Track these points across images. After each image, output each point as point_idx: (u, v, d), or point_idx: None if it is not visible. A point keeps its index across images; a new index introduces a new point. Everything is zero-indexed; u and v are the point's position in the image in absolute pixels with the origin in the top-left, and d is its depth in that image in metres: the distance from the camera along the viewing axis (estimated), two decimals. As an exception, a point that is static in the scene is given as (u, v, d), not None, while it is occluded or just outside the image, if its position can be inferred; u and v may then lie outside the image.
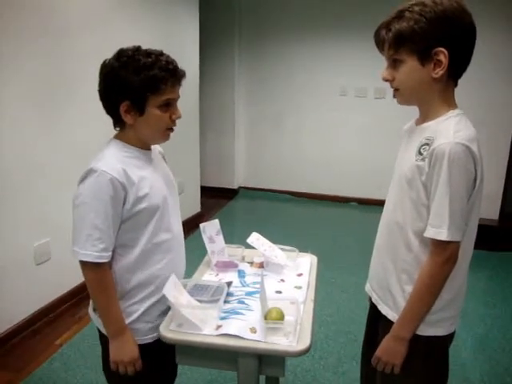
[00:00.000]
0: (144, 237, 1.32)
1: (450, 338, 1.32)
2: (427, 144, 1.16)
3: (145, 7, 3.45)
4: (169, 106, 1.29)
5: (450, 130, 1.13)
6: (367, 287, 1.48)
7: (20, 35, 2.39)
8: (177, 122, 1.34)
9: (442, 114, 1.19)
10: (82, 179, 1.25)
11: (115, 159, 1.27)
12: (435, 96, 1.19)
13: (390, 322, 1.30)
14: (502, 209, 4.73)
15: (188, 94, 4.31)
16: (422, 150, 1.17)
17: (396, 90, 1.24)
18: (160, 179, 1.38)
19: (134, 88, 1.23)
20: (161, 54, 1.28)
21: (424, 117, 1.25)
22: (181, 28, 4.10)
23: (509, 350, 2.62)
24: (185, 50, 4.20)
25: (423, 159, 1.16)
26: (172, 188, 1.46)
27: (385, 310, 1.34)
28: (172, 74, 1.26)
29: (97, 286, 1.29)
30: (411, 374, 1.27)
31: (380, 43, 1.21)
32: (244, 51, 5.47)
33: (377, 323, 1.41)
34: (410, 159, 1.22)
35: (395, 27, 1.14)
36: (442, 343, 1.31)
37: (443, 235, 1.13)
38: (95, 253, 1.23)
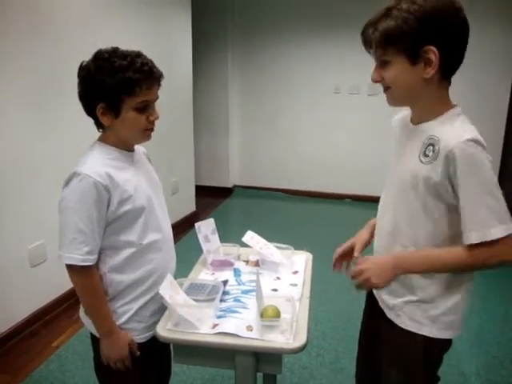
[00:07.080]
0: (132, 238, 1.32)
1: (450, 343, 1.30)
2: (431, 144, 1.10)
3: (137, 7, 3.44)
4: (146, 107, 1.28)
5: (458, 129, 1.08)
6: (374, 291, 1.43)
7: (16, 35, 2.37)
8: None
9: (444, 113, 1.13)
10: (66, 183, 1.25)
11: (98, 162, 1.27)
12: (428, 97, 1.13)
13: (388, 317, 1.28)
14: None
15: (182, 94, 4.30)
16: (427, 152, 1.11)
17: (387, 89, 1.17)
18: (143, 180, 1.38)
19: (109, 90, 1.23)
20: (137, 55, 1.26)
21: (419, 116, 1.19)
22: (174, 28, 4.09)
23: (504, 344, 2.65)
24: (178, 50, 4.20)
25: (431, 161, 1.09)
26: (157, 188, 1.45)
27: (384, 303, 1.31)
28: (147, 75, 1.25)
29: (84, 288, 1.30)
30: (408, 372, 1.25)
31: (367, 43, 1.14)
32: (237, 50, 5.47)
33: (375, 325, 1.38)
34: (413, 164, 1.15)
35: (382, 26, 1.08)
36: (444, 347, 1.30)
37: (495, 234, 1.03)
38: (80, 256, 1.23)
